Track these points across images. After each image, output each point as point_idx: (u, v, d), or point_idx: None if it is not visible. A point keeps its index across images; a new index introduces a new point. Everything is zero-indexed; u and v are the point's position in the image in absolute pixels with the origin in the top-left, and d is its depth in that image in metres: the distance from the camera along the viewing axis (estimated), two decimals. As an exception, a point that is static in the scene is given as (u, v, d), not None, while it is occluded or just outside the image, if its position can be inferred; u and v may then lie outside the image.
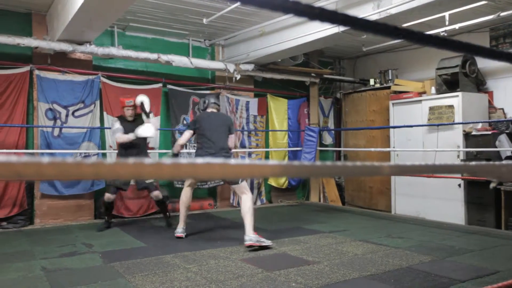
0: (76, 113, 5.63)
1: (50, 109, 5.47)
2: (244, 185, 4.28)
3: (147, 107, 4.85)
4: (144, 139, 5.01)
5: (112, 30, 6.10)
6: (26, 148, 5.37)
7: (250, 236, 4.00)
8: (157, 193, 5.07)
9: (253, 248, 3.96)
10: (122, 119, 4.90)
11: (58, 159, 0.66)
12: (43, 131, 5.42)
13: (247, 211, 4.14)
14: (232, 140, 4.57)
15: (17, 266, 3.44)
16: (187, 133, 4.57)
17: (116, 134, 4.81)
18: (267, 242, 4.03)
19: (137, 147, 4.91)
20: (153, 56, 5.85)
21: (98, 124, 5.79)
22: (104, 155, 5.78)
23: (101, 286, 2.97)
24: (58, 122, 5.51)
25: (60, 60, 5.54)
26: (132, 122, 4.87)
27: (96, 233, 4.83)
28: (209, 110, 4.67)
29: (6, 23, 5.35)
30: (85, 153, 5.59)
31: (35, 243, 4.32)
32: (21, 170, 0.65)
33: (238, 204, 6.91)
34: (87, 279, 3.12)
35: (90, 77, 5.75)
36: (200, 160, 0.70)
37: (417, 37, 0.84)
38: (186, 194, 4.56)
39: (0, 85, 5.17)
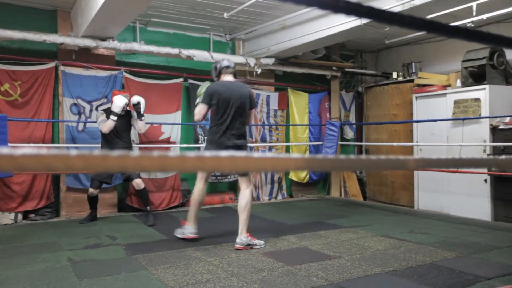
0: (100, 108, 5.74)
1: (74, 104, 5.59)
2: (250, 177, 3.92)
3: (142, 109, 4.92)
4: (128, 132, 5.04)
5: (134, 26, 6.18)
6: (52, 143, 5.52)
7: (242, 239, 3.75)
8: (139, 182, 4.92)
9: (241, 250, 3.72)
10: (109, 112, 4.89)
11: (85, 152, 0.67)
12: (68, 126, 5.55)
13: (244, 209, 3.78)
14: (252, 116, 3.94)
15: (45, 257, 3.55)
16: (203, 108, 3.81)
17: (100, 124, 4.83)
18: (259, 244, 3.81)
19: (122, 139, 4.95)
20: (174, 51, 5.90)
21: (121, 119, 5.88)
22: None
23: (124, 277, 3.04)
24: (83, 117, 5.64)
25: (84, 56, 5.65)
26: (119, 117, 4.88)
27: (120, 226, 4.93)
28: (224, 77, 3.87)
29: (33, 20, 5.49)
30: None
31: (61, 234, 4.44)
32: (51, 162, 0.67)
33: (258, 197, 6.95)
34: (111, 270, 3.19)
35: (113, 72, 5.85)
36: (223, 154, 0.71)
37: (443, 30, 0.82)
38: (199, 190, 4.00)
39: (27, 81, 5.32)
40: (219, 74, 3.91)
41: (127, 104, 4.93)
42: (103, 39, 5.43)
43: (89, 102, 5.68)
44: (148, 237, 4.33)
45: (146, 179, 6.01)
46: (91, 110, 5.69)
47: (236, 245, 3.77)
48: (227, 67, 3.87)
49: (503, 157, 0.73)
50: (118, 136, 4.95)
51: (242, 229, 3.79)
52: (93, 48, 5.55)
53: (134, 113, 5.08)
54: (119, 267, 3.26)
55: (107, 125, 4.76)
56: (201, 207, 4.18)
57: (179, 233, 4.13)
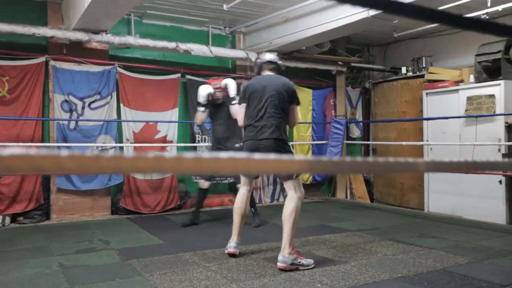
0: (92, 105, 5.75)
1: (66, 101, 5.60)
2: (295, 182, 3.48)
3: (231, 92, 4.63)
4: (230, 119, 4.77)
5: (129, 18, 6.19)
6: (42, 142, 5.53)
7: (285, 257, 3.28)
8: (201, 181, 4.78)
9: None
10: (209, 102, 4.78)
11: (77, 152, 0.67)
12: (59, 124, 5.56)
13: (288, 218, 3.37)
14: (294, 113, 3.64)
15: (34, 262, 3.56)
16: (241, 108, 3.71)
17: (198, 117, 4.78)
18: (308, 265, 3.34)
19: (223, 127, 4.85)
20: (171, 45, 5.90)
21: (114, 116, 5.90)
22: (121, 148, 5.90)
23: (118, 283, 3.04)
24: (74, 114, 5.64)
25: (76, 50, 5.65)
26: (217, 106, 4.86)
27: (113, 229, 4.94)
28: (264, 73, 3.73)
29: (21, 13, 5.49)
30: (101, 146, 5.71)
31: (51, 238, 4.45)
32: (41, 163, 0.67)
33: (259, 199, 6.95)
34: (104, 276, 3.20)
35: (107, 67, 5.85)
36: (223, 155, 0.71)
37: (457, 21, 0.81)
38: (240, 196, 3.73)
39: (15, 76, 5.33)
40: (259, 71, 3.79)
41: (211, 94, 4.71)
42: (96, 33, 5.43)
43: (81, 99, 5.69)
44: (143, 241, 4.34)
45: (141, 180, 6.02)
46: (83, 107, 5.70)
47: (278, 264, 3.29)
48: (269, 62, 3.72)
49: (519, 159, 0.72)
50: (219, 124, 4.90)
51: (285, 244, 3.32)
52: (85, 41, 5.55)
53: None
54: (113, 273, 3.27)
55: (196, 116, 4.89)
56: (244, 218, 3.78)
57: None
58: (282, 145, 3.53)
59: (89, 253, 3.87)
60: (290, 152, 3.71)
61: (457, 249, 3.91)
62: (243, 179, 3.78)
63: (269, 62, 3.71)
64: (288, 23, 6.01)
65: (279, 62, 3.80)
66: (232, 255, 3.68)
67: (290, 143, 3.83)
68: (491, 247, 3.99)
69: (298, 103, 3.68)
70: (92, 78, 5.74)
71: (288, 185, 3.51)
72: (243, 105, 3.67)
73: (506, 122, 5.59)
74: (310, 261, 3.40)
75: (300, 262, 3.32)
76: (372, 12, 4.86)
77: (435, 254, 3.74)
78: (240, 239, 3.76)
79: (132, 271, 3.33)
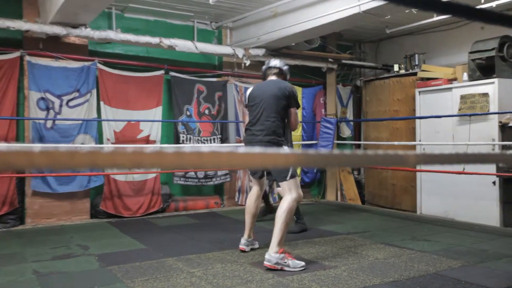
0: (71, 103, 5.68)
1: (42, 98, 5.52)
2: (290, 183, 3.60)
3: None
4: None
5: (110, 12, 6.13)
6: (17, 142, 5.44)
7: (271, 255, 3.40)
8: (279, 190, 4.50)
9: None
10: None
11: (50, 147, 0.66)
12: (35, 123, 5.48)
13: (279, 218, 3.48)
14: (293, 116, 3.79)
15: (7, 270, 3.50)
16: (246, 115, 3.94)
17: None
18: (293, 267, 3.39)
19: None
20: (155, 40, 5.87)
21: (94, 115, 5.84)
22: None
23: (98, 290, 3.01)
24: (51, 113, 5.57)
25: (53, 45, 5.58)
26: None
27: (93, 234, 4.89)
28: (268, 78, 3.96)
29: (-6, 5, 5.41)
30: (80, 147, 5.65)
31: (26, 244, 4.39)
32: (11, 159, 0.66)
33: (245, 202, 6.94)
34: (82, 283, 3.16)
35: (86, 63, 5.79)
36: (205, 149, 0.71)
37: (460, 10, 0.82)
38: (250, 197, 4.01)
39: (-12, 72, 5.24)
40: (264, 77, 4.01)
41: None
42: (75, 27, 5.37)
43: (59, 97, 5.62)
44: (124, 246, 4.30)
45: (122, 182, 5.97)
46: (61, 105, 5.63)
47: (265, 263, 3.43)
48: (270, 67, 3.95)
49: (511, 151, 0.74)
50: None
51: (273, 243, 3.43)
52: (63, 36, 5.49)
53: None
54: (92, 280, 3.23)
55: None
56: (255, 217, 4.03)
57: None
58: (276, 148, 3.64)
59: (66, 259, 3.83)
60: None
61: (450, 252, 3.96)
62: (252, 179, 4.03)
63: (272, 67, 3.93)
64: (277, 18, 6.02)
65: (285, 67, 3.98)
66: (242, 251, 3.97)
67: (288, 145, 3.97)
68: (485, 250, 4.04)
69: (297, 106, 3.83)
70: (71, 75, 5.68)
71: (284, 187, 3.65)
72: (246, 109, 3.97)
73: (500, 122, 5.68)
74: (298, 263, 3.45)
75: (286, 262, 3.39)
76: (364, 8, 4.90)
77: (427, 258, 3.78)
78: (253, 236, 4.05)
79: (112, 278, 3.30)
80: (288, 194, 3.58)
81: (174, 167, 0.69)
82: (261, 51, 6.67)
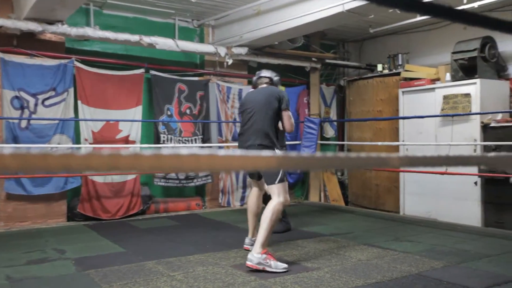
0: (47, 102, 5.58)
1: (16, 97, 5.41)
2: (278, 187, 3.68)
3: None
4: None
5: (88, 8, 6.05)
6: (-10, 141, 5.32)
7: (253, 256, 3.49)
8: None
9: (251, 269, 3.48)
10: None
11: (22, 149, 0.64)
12: (9, 123, 5.37)
13: (264, 220, 3.57)
14: (285, 118, 3.88)
15: (-20, 274, 3.42)
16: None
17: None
18: (275, 267, 3.46)
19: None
20: (134, 37, 5.81)
21: (71, 115, 5.74)
22: (79, 149, 5.75)
23: (75, 296, 2.96)
24: (26, 112, 5.47)
25: (28, 42, 5.48)
26: None
27: (69, 237, 4.82)
28: (259, 87, 4.14)
29: (-34, -1, 5.28)
30: (56, 147, 5.56)
31: None
32: (-21, 162, 0.64)
33: (228, 203, 6.94)
34: (59, 288, 3.11)
35: (63, 61, 5.70)
36: (184, 151, 0.70)
37: (441, 12, 0.83)
38: (250, 197, 4.18)
39: (-41, 69, 5.11)
40: (255, 86, 4.20)
41: None
42: (51, 23, 5.28)
43: (34, 95, 5.51)
44: (102, 249, 4.24)
45: (100, 183, 5.90)
46: (36, 104, 5.52)
47: (246, 262, 3.52)
48: (261, 77, 4.16)
49: (492, 154, 0.75)
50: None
51: (257, 244, 3.53)
52: (38, 33, 5.39)
53: None
54: (68, 285, 3.19)
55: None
56: (257, 216, 4.10)
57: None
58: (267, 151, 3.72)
59: (41, 263, 3.76)
60: None
61: (432, 253, 4.02)
62: (249, 180, 4.17)
63: (263, 77, 4.14)
64: (260, 16, 6.02)
65: (275, 78, 4.19)
66: (246, 250, 4.01)
67: (280, 149, 4.04)
68: (466, 250, 4.12)
69: (286, 108, 3.89)
70: (46, 73, 5.58)
71: (272, 190, 3.73)
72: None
73: (482, 122, 5.79)
74: (280, 264, 3.51)
75: (268, 263, 3.46)
76: (347, 7, 4.93)
77: (410, 259, 3.83)
78: (256, 236, 3.89)
79: (89, 282, 3.25)
80: (276, 197, 3.67)
81: (151, 170, 0.68)
82: (243, 50, 6.66)
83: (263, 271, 3.42)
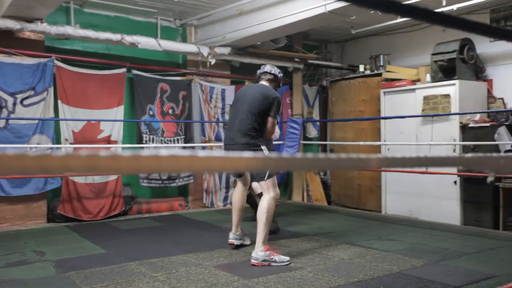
0: (26, 102, 5.48)
1: (-6, 96, 5.30)
2: (267, 183, 3.79)
3: None
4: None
5: (68, 6, 5.95)
6: (-33, 142, 5.20)
7: (257, 254, 3.62)
8: (255, 185, 4.56)
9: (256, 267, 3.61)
10: None
11: (-4, 150, 0.63)
12: (-13, 122, 5.25)
13: (261, 218, 3.70)
14: (269, 125, 3.87)
15: (-44, 277, 3.34)
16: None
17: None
18: (280, 262, 3.63)
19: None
20: (116, 36, 5.74)
21: (51, 115, 5.65)
22: (59, 150, 5.66)
23: (55, 298, 2.92)
24: (4, 112, 5.36)
25: (6, 40, 5.37)
26: None
27: (49, 239, 4.74)
28: (260, 82, 4.14)
29: None
30: (36, 147, 5.46)
31: (-23, 250, 4.20)
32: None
33: (212, 204, 6.92)
34: (38, 290, 3.05)
35: (42, 60, 5.60)
36: (164, 152, 0.69)
37: (421, 14, 0.84)
38: (235, 193, 4.21)
39: None
40: (257, 80, 4.16)
41: None
42: (30, 21, 5.19)
43: (12, 95, 5.40)
44: (83, 251, 4.19)
45: (81, 184, 5.82)
46: (14, 104, 5.41)
47: (251, 260, 3.65)
48: (264, 72, 4.11)
49: (469, 155, 0.76)
50: None
51: (258, 242, 3.67)
52: (17, 31, 5.29)
53: None
54: (48, 287, 3.13)
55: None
56: (241, 211, 4.18)
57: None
58: (252, 150, 3.80)
59: (20, 266, 3.69)
60: None
61: (413, 252, 4.07)
62: (232, 180, 4.35)
63: (266, 72, 4.09)
64: (243, 17, 6.02)
65: (279, 75, 4.16)
66: (231, 244, 4.15)
67: (265, 147, 3.94)
68: (446, 249, 4.18)
69: (273, 116, 3.86)
70: (25, 72, 5.47)
71: (262, 186, 3.87)
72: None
73: (461, 122, 5.89)
74: (284, 258, 3.69)
75: (272, 258, 3.64)
76: (329, 8, 4.96)
77: (391, 257, 3.87)
78: (243, 233, 4.25)
79: (70, 284, 3.20)
80: (266, 193, 3.80)
81: (130, 171, 0.67)
82: (226, 50, 6.65)
83: (269, 266, 3.58)
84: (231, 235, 4.16)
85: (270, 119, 3.86)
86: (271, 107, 3.84)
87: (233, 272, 3.47)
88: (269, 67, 4.15)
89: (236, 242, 4.15)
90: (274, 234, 4.76)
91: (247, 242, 4.26)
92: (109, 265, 3.67)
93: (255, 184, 4.49)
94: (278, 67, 7.44)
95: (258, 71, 4.20)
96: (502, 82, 6.23)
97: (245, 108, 3.83)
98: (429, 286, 3.10)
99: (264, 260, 3.60)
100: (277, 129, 4.16)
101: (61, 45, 6.00)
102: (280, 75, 4.18)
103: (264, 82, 4.07)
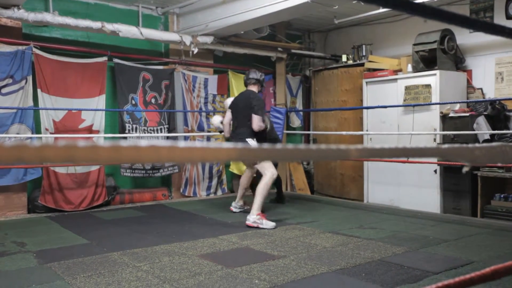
0: (4, 90, 5.36)
1: (-29, 85, 5.17)
2: (265, 164, 4.82)
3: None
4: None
5: (46, -7, 5.82)
6: None
7: (251, 216, 4.65)
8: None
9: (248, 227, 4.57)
10: None
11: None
12: (-37, 111, 5.13)
13: (259, 192, 4.71)
14: (255, 121, 4.83)
15: None
16: (228, 112, 5.23)
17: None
18: (267, 225, 4.58)
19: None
20: (96, 24, 5.63)
21: (30, 103, 5.54)
22: (39, 139, 5.56)
23: (36, 289, 2.89)
24: (-18, 101, 5.23)
25: (-17, 27, 5.23)
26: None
27: (30, 230, 4.68)
28: (248, 87, 5.12)
29: None
30: (15, 137, 5.36)
31: (-44, 242, 4.12)
32: None
33: (194, 193, 6.91)
34: (18, 283, 3.02)
35: (20, 47, 5.48)
36: (144, 143, 0.68)
37: (401, 4, 0.84)
38: (243, 176, 5.58)
39: None
40: (246, 85, 5.16)
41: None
42: (6, 7, 5.05)
43: (-10, 83, 5.28)
44: (65, 241, 4.15)
45: (63, 174, 5.74)
46: (-8, 93, 5.29)
47: (246, 222, 4.68)
48: (249, 78, 5.11)
49: (446, 146, 0.77)
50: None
51: (253, 208, 4.70)
52: (-7, 17, 5.15)
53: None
54: (29, 279, 3.10)
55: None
56: (245, 190, 5.58)
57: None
58: (239, 141, 4.88)
59: (0, 257, 3.63)
60: None
61: (394, 239, 4.14)
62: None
63: (251, 78, 5.09)
64: (226, 5, 5.97)
65: (261, 78, 5.15)
66: (231, 211, 5.52)
67: (252, 138, 4.95)
68: (426, 236, 4.26)
69: (255, 112, 4.83)
70: (3, 60, 5.35)
71: (260, 167, 4.95)
72: (229, 109, 5.22)
73: (441, 112, 5.97)
74: (270, 223, 4.62)
75: (260, 221, 4.60)
76: (312, -3, 4.95)
77: (373, 245, 3.93)
78: (241, 202, 5.57)
79: (51, 275, 3.17)
80: (267, 172, 4.81)
81: (110, 161, 0.66)
82: (209, 39, 6.59)
83: (257, 228, 4.56)
84: (233, 203, 5.54)
85: (254, 116, 4.84)
86: (253, 108, 4.85)
87: (217, 261, 3.48)
88: (252, 74, 5.11)
89: (235, 210, 5.49)
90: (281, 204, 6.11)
91: (248, 210, 5.16)
92: (92, 255, 3.65)
93: (257, 166, 5.35)
94: (261, 56, 7.54)
95: (245, 77, 5.19)
96: (481, 73, 6.33)
97: (240, 114, 4.98)
98: (410, 273, 3.16)
99: (254, 222, 4.60)
100: (262, 123, 4.91)
101: (40, 32, 5.87)
102: (262, 77, 5.15)
103: (250, 87, 5.09)
